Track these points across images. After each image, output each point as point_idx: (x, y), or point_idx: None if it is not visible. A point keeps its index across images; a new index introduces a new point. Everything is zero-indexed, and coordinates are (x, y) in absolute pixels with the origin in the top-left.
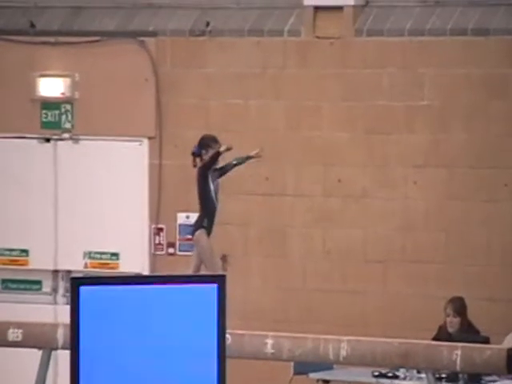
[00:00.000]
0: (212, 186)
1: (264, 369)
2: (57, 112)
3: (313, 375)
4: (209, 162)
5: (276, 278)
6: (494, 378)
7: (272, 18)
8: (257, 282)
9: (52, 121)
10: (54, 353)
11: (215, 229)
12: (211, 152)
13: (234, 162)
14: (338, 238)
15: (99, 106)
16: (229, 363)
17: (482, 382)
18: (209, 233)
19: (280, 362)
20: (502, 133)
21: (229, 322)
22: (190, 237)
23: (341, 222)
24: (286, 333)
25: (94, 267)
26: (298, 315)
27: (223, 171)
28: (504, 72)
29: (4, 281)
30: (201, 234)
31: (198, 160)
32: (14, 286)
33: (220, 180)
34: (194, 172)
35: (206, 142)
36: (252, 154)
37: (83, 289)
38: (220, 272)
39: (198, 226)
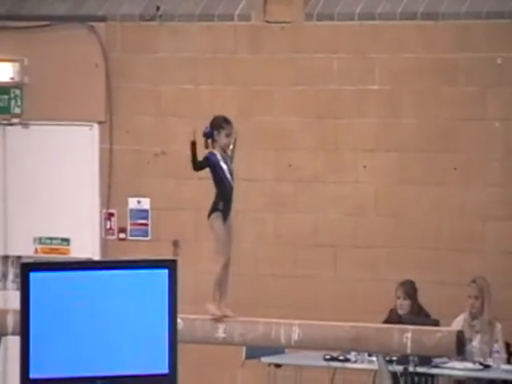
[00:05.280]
0: (226, 167)
1: (216, 353)
2: (6, 97)
3: (264, 359)
4: (192, 157)
5: None
6: (444, 359)
7: (222, 3)
8: (208, 266)
9: (1, 106)
10: (3, 338)
11: (165, 214)
12: (223, 133)
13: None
14: (290, 223)
15: (49, 90)
16: (181, 347)
17: (433, 363)
18: (225, 216)
19: (232, 346)
20: (452, 117)
21: (181, 306)
22: (143, 222)
23: (292, 207)
24: (237, 317)
25: (45, 252)
26: (249, 300)
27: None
28: (454, 56)
29: None
30: (216, 217)
31: (209, 142)
32: None
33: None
34: (148, 157)
35: (219, 123)
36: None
37: (33, 274)
38: (228, 259)
39: (213, 208)
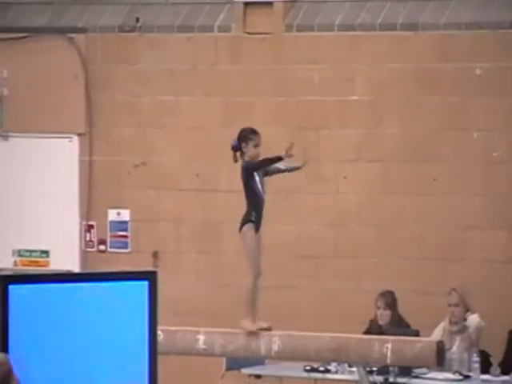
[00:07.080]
0: (258, 178)
1: (196, 364)
2: None
3: (245, 370)
4: (262, 164)
5: (209, 273)
6: (424, 370)
7: (202, 14)
8: (190, 278)
9: None
10: None
11: (145, 225)
12: (251, 144)
13: (282, 168)
14: (271, 234)
15: (28, 102)
16: (161, 359)
17: (413, 374)
18: (257, 227)
19: (212, 357)
20: (433, 127)
21: (162, 318)
22: (122, 233)
23: (273, 218)
24: (218, 328)
25: (24, 265)
26: (231, 311)
27: (267, 172)
28: (434, 66)
29: None
30: (249, 228)
31: (238, 154)
32: None
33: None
34: (129, 168)
35: (246, 135)
36: (282, 154)
37: (12, 287)
38: (259, 271)
39: (246, 220)
